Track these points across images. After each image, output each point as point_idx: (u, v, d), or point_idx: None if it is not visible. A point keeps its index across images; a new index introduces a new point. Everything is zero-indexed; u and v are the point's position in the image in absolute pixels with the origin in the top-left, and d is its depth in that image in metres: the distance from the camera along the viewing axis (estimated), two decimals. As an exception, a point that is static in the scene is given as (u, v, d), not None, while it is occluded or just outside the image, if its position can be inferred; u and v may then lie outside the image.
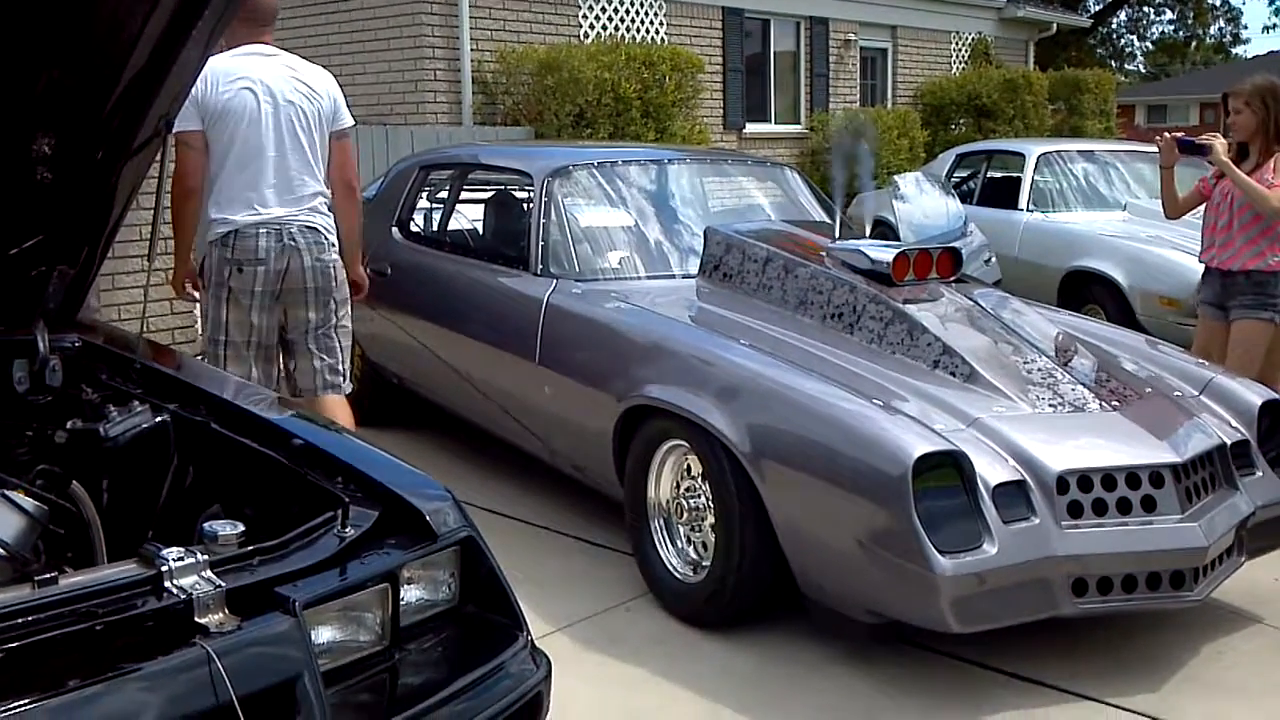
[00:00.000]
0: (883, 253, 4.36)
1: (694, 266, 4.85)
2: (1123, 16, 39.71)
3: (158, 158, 2.65)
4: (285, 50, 4.30)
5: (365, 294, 4.77)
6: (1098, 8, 35.87)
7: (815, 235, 4.96)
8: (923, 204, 6.00)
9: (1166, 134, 5.35)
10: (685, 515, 3.97)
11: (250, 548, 1.96)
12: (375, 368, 6.03)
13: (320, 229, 4.30)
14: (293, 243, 4.20)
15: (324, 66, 4.41)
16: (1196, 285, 5.72)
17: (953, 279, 4.50)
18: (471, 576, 2.23)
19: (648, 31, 13.51)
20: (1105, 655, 3.72)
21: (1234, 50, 42.01)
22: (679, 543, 4.04)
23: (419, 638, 2.15)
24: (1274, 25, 61.69)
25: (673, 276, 4.84)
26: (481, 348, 5.01)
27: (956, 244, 4.77)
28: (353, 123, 4.53)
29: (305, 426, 2.48)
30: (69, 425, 2.54)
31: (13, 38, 2.20)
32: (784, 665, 3.67)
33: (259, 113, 4.13)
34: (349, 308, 4.50)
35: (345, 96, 4.46)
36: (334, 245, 4.35)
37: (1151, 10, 40.28)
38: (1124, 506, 3.48)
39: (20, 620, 1.71)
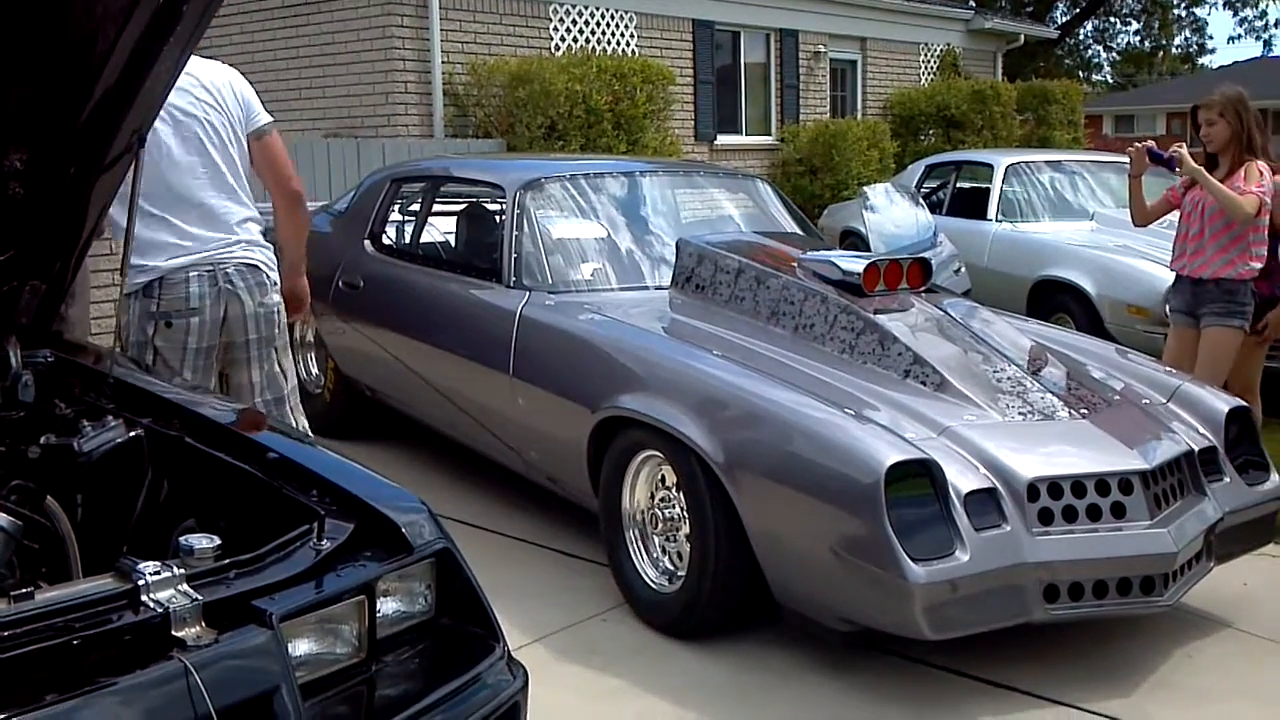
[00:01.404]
0: (853, 263, 4.40)
1: (666, 278, 4.87)
2: (1089, 27, 40.10)
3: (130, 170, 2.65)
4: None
5: (305, 311, 4.13)
6: (1065, 19, 36.19)
7: (787, 247, 5.00)
8: (893, 215, 6.05)
9: (1137, 144, 5.40)
10: (660, 526, 3.99)
11: (227, 561, 1.96)
12: (348, 380, 6.02)
13: (261, 266, 3.70)
14: (229, 285, 3.59)
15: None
16: (1164, 293, 5.79)
17: (923, 289, 4.54)
18: (447, 588, 2.23)
19: (619, 43, 13.56)
20: (1077, 661, 3.76)
21: (1200, 60, 42.50)
22: (654, 553, 4.06)
23: (396, 650, 2.14)
24: (1239, 35, 62.39)
25: (645, 288, 4.86)
26: (455, 360, 5.01)
27: (926, 254, 4.82)
28: (270, 119, 3.82)
29: (279, 440, 2.47)
30: (43, 440, 2.53)
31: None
32: (759, 674, 3.68)
33: (157, 135, 3.37)
34: (289, 351, 3.93)
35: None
36: (277, 283, 3.78)
37: (1117, 21, 40.69)
38: (1094, 513, 3.52)
39: (-3, 635, 1.70)
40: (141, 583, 1.84)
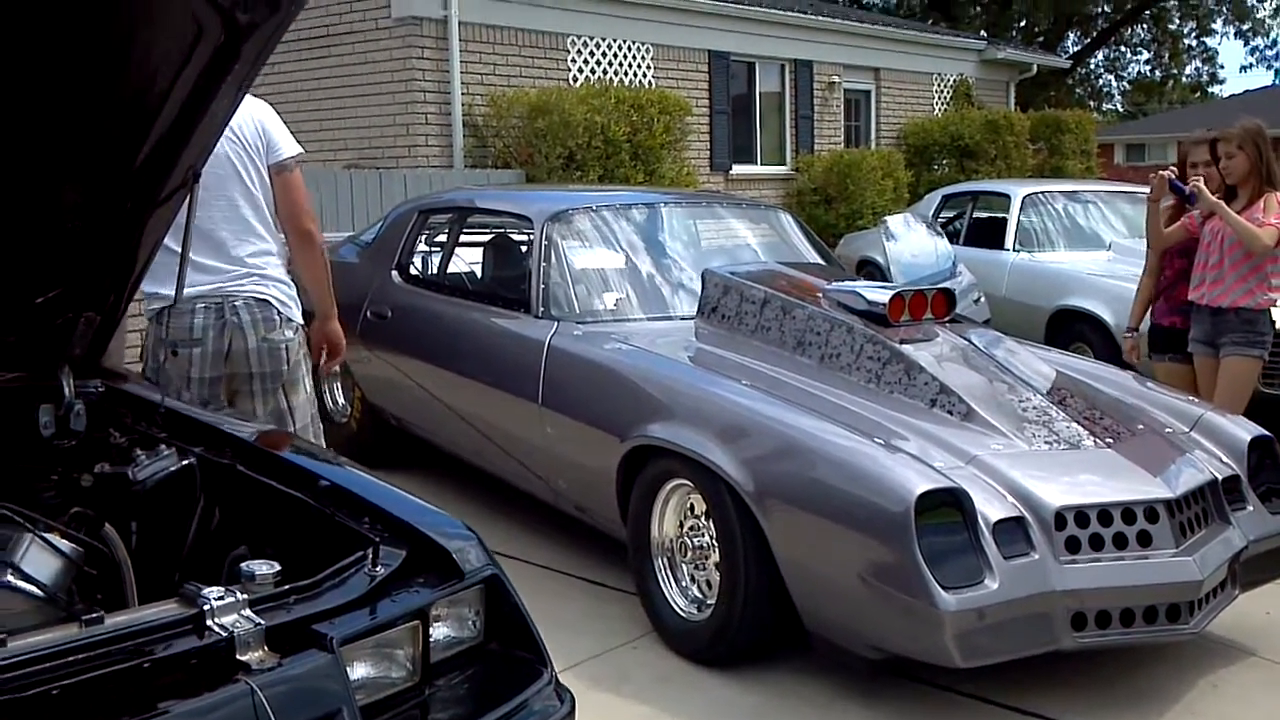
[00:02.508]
0: (879, 294, 4.45)
1: (692, 308, 4.93)
2: (1100, 57, 40.22)
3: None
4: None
5: (342, 356, 4.13)
6: (1076, 49, 36.34)
7: (811, 277, 5.06)
8: (912, 244, 6.10)
9: (1161, 171, 5.46)
10: (689, 554, 4.03)
11: (287, 587, 2.01)
12: (374, 409, 6.08)
13: (272, 301, 3.72)
14: (235, 319, 3.64)
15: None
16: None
17: (947, 319, 4.59)
18: (496, 614, 2.29)
19: (636, 74, 13.68)
20: (1103, 689, 3.79)
21: (1211, 90, 42.53)
22: (683, 581, 4.10)
23: (447, 674, 2.19)
24: (1251, 65, 62.43)
25: (671, 318, 4.92)
26: (483, 389, 5.07)
27: (946, 284, 4.87)
28: (297, 151, 3.83)
29: (330, 468, 2.53)
30: (97, 469, 2.59)
31: (44, 95, 2.27)
32: (789, 701, 3.72)
33: None
34: (306, 389, 3.90)
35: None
36: (291, 320, 3.79)
37: (1128, 51, 40.80)
38: (1120, 541, 3.55)
39: (70, 659, 1.76)
40: (206, 608, 1.89)
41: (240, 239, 3.68)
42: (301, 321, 3.89)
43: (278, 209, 3.78)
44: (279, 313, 3.74)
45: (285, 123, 3.89)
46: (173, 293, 3.30)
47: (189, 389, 3.57)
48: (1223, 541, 3.78)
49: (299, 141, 3.90)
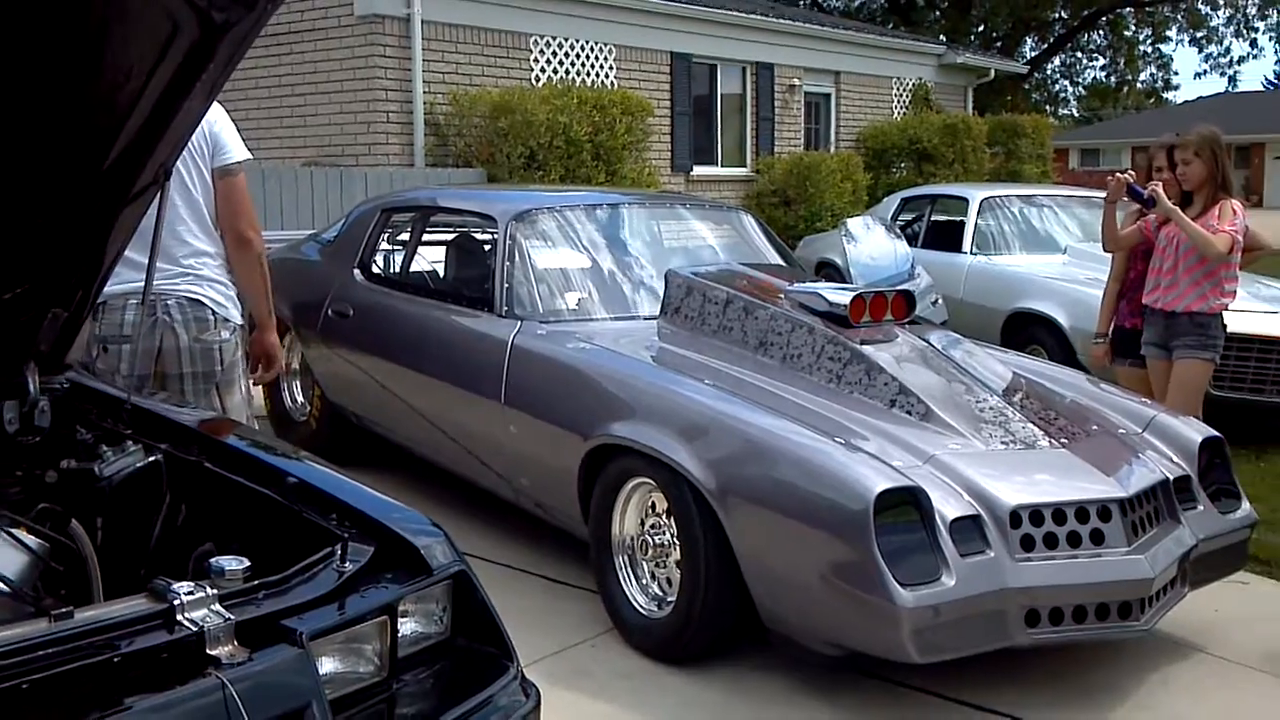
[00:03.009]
0: (840, 295, 4.50)
1: (655, 308, 4.96)
2: (1057, 62, 40.66)
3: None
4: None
5: (278, 369, 4.21)
6: (1034, 54, 36.72)
7: (772, 278, 5.10)
8: (871, 246, 6.16)
9: (1119, 174, 5.53)
10: (650, 551, 4.07)
11: (256, 582, 2.03)
12: (334, 407, 6.07)
13: (206, 301, 3.71)
14: (166, 317, 3.63)
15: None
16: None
17: (906, 320, 4.65)
18: (463, 609, 2.31)
19: (598, 75, 13.71)
20: (1057, 684, 3.85)
21: (1165, 95, 43.09)
22: (643, 579, 4.13)
23: (414, 669, 2.21)
24: (1205, 71, 63.17)
25: (635, 318, 4.95)
26: (445, 388, 5.08)
27: (904, 286, 4.93)
28: (244, 156, 3.81)
29: (297, 465, 2.55)
30: (63, 465, 2.59)
31: (14, 91, 2.27)
32: (749, 698, 3.76)
33: None
34: (242, 390, 3.90)
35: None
36: (228, 320, 3.79)
37: (1084, 56, 41.27)
38: (1074, 540, 3.61)
39: (40, 653, 1.76)
40: (176, 603, 1.90)
41: (177, 239, 3.65)
42: (241, 323, 3.88)
43: (218, 212, 3.76)
44: (214, 313, 3.73)
45: (242, 120, 3.87)
46: (108, 288, 3.22)
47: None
48: (1173, 540, 3.86)
49: (259, 139, 3.91)
